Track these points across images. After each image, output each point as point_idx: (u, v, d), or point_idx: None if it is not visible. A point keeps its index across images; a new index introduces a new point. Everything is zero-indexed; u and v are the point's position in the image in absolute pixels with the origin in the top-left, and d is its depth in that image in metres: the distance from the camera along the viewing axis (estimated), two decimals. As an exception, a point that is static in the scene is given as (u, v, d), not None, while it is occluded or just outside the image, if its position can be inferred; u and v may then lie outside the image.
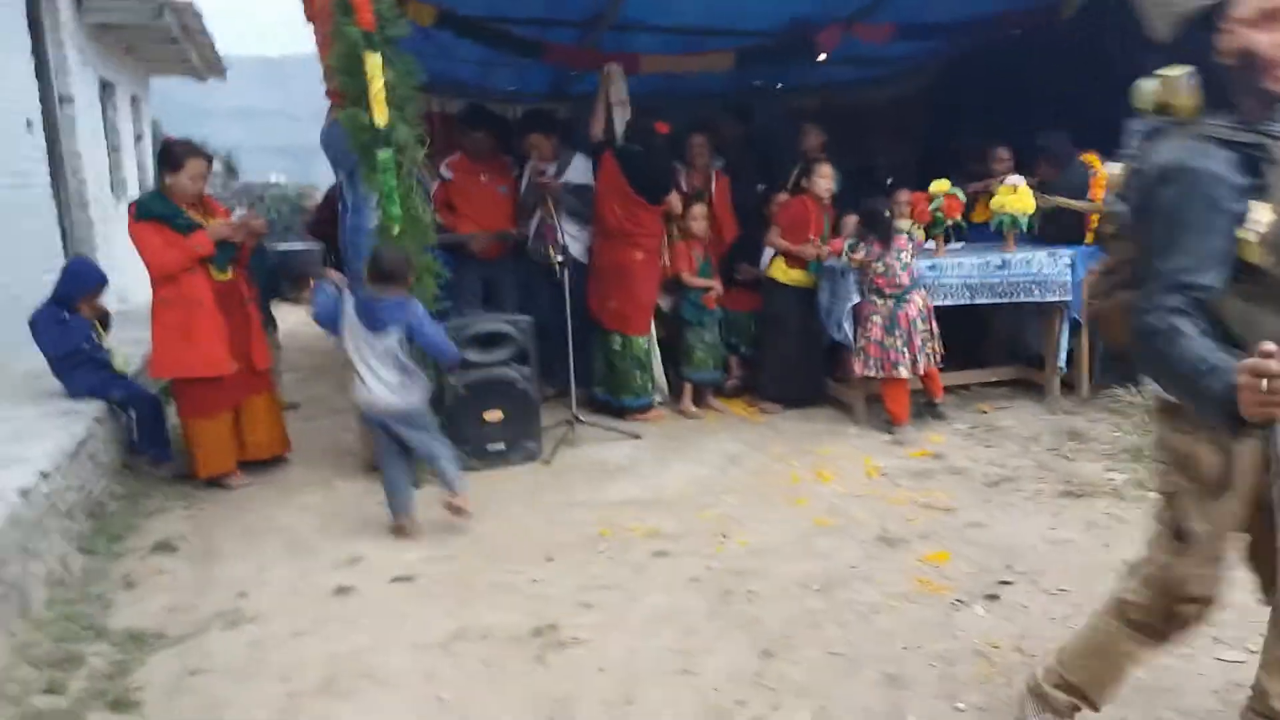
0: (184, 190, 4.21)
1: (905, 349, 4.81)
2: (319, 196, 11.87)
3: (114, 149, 8.44)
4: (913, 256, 4.95)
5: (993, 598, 3.02)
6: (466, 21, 5.43)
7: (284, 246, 9.82)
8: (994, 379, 5.56)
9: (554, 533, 3.76)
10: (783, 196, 6.06)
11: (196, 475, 4.39)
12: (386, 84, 4.05)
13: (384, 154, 4.09)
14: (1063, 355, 5.21)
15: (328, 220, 5.88)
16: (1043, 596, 3.02)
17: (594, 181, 5.59)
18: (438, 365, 4.27)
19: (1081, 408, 5.14)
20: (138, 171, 9.82)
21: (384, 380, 3.71)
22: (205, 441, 4.34)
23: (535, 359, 4.74)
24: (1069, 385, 5.32)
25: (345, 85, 4.12)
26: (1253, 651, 2.43)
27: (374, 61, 4.01)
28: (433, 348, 3.84)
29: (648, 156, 5.36)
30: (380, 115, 4.05)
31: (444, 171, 5.52)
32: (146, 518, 4.04)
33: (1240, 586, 2.04)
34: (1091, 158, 5.24)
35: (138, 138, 9.86)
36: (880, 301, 4.87)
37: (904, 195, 5.82)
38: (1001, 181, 5.80)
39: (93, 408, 4.27)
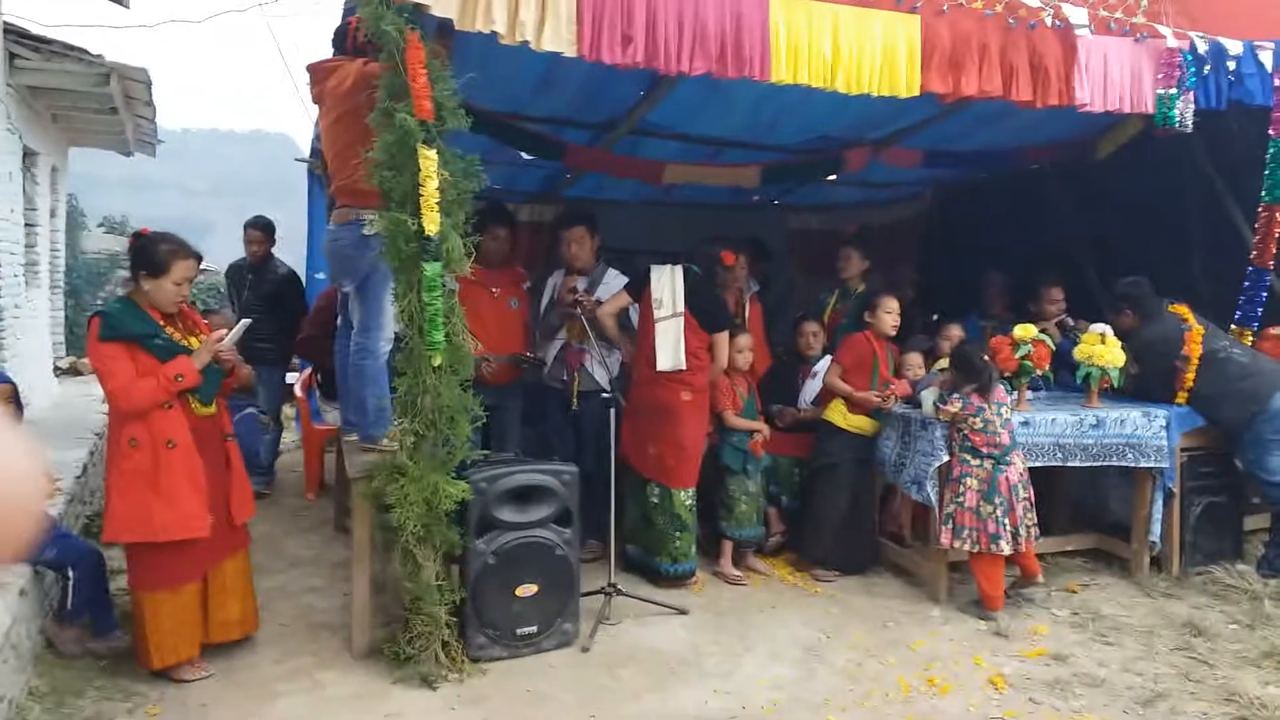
0: (165, 299, 3.32)
1: (1006, 520, 4.19)
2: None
3: (30, 226, 7.29)
4: (1012, 411, 4.39)
5: None
6: (483, 115, 4.75)
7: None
8: (1070, 548, 5.00)
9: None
10: (813, 326, 5.53)
11: (146, 664, 3.36)
12: (441, 185, 3.30)
13: (432, 268, 3.32)
14: (1157, 528, 4.70)
15: (317, 338, 5.00)
16: None
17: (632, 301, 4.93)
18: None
19: (1178, 589, 4.61)
20: (49, 254, 8.61)
21: None
22: (163, 622, 3.33)
23: (579, 519, 3.92)
24: (1155, 561, 4.81)
25: (388, 183, 3.35)
26: None
27: (429, 158, 3.26)
28: None
29: (708, 281, 4.74)
30: (432, 222, 3.28)
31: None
32: (76, 733, 2.99)
33: None
34: (1183, 309, 4.86)
35: (52, 213, 8.68)
36: (976, 463, 4.26)
37: (955, 331, 5.37)
38: (1062, 325, 5.46)
39: (14, 577, 3.22)
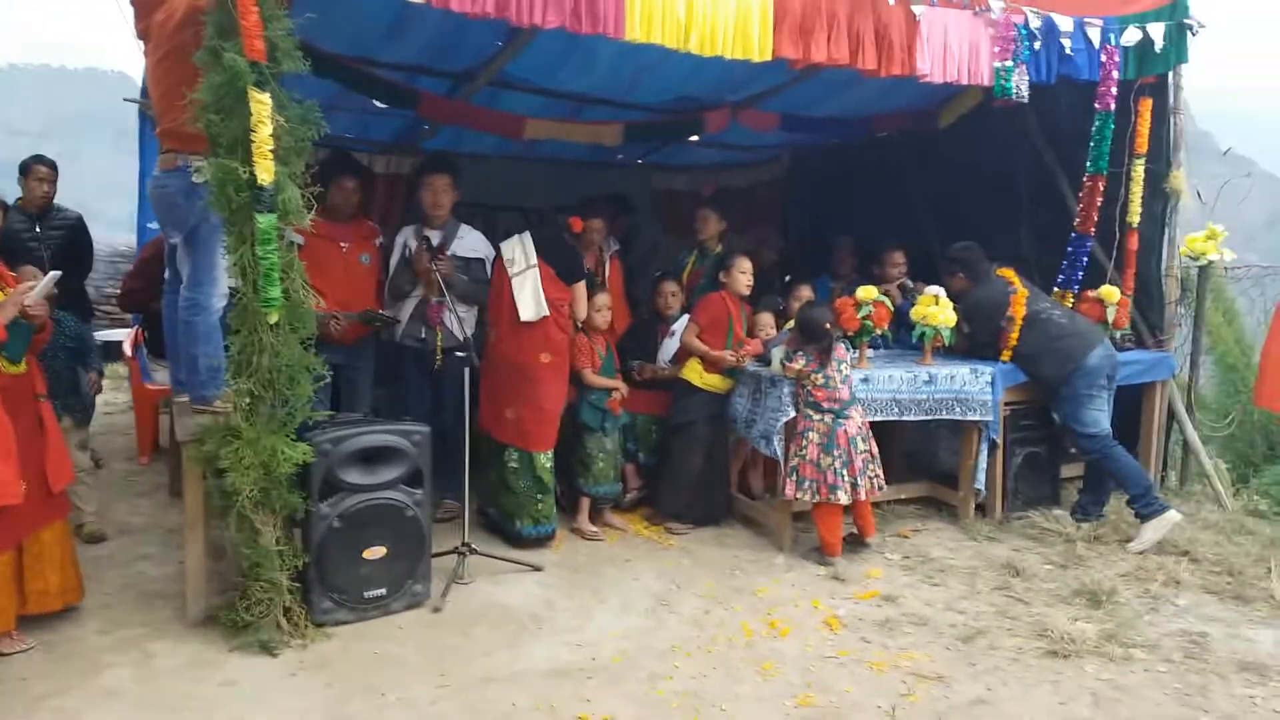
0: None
1: (845, 471, 4.38)
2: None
3: None
4: (852, 369, 4.56)
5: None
6: (328, 58, 4.53)
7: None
8: (904, 496, 5.28)
9: (487, 730, 2.91)
10: (671, 286, 5.58)
11: (-49, 642, 3.11)
12: (275, 132, 3.13)
13: (266, 220, 3.15)
14: (981, 477, 5.01)
15: (142, 289, 4.67)
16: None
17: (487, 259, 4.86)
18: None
19: (1000, 533, 4.93)
20: None
21: None
22: (-32, 597, 3.08)
23: (430, 479, 3.85)
24: (980, 507, 5.13)
25: (215, 128, 3.14)
26: None
27: (261, 102, 3.08)
28: None
29: (561, 241, 4.71)
30: (265, 170, 3.11)
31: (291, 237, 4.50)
32: None
33: None
34: (1009, 273, 5.15)
35: None
36: (817, 417, 4.43)
37: (805, 292, 5.52)
38: (903, 288, 5.70)
39: None
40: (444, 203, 4.79)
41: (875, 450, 4.54)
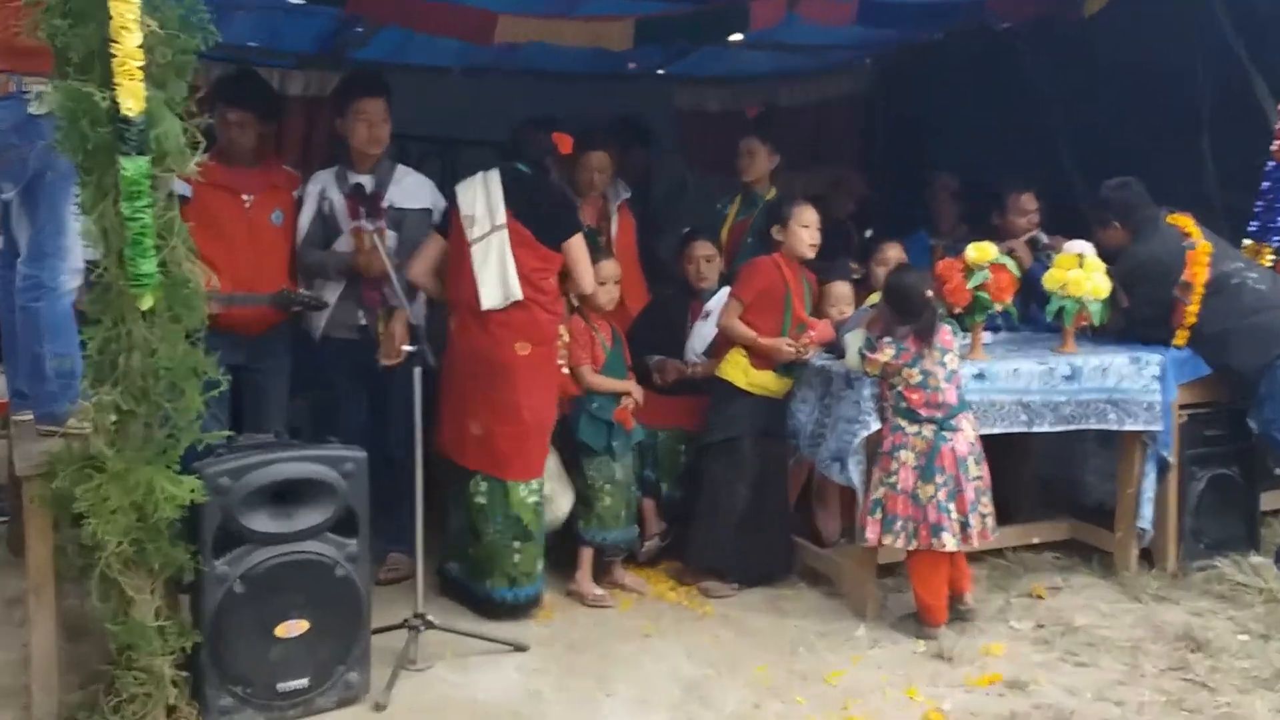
0: None
1: (952, 505, 4.38)
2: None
3: None
4: (962, 361, 4.58)
5: None
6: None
7: None
8: (1035, 540, 5.28)
9: None
10: (705, 247, 5.58)
11: None
12: (146, 41, 3.16)
13: (135, 165, 3.18)
14: (1147, 511, 5.01)
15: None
16: None
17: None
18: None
19: (1174, 590, 4.94)
20: None
21: None
22: None
23: (366, 524, 3.89)
24: (1145, 554, 5.13)
25: (62, 38, 3.18)
26: None
27: (125, 8, 3.11)
28: None
29: (543, 183, 4.71)
30: (133, 96, 3.15)
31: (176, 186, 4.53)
32: None
33: None
34: (1185, 220, 5.13)
35: None
36: (913, 430, 4.44)
37: (893, 252, 5.51)
38: (1034, 244, 5.68)
39: None
40: (382, 137, 4.84)
41: (989, 477, 4.53)
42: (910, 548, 4.44)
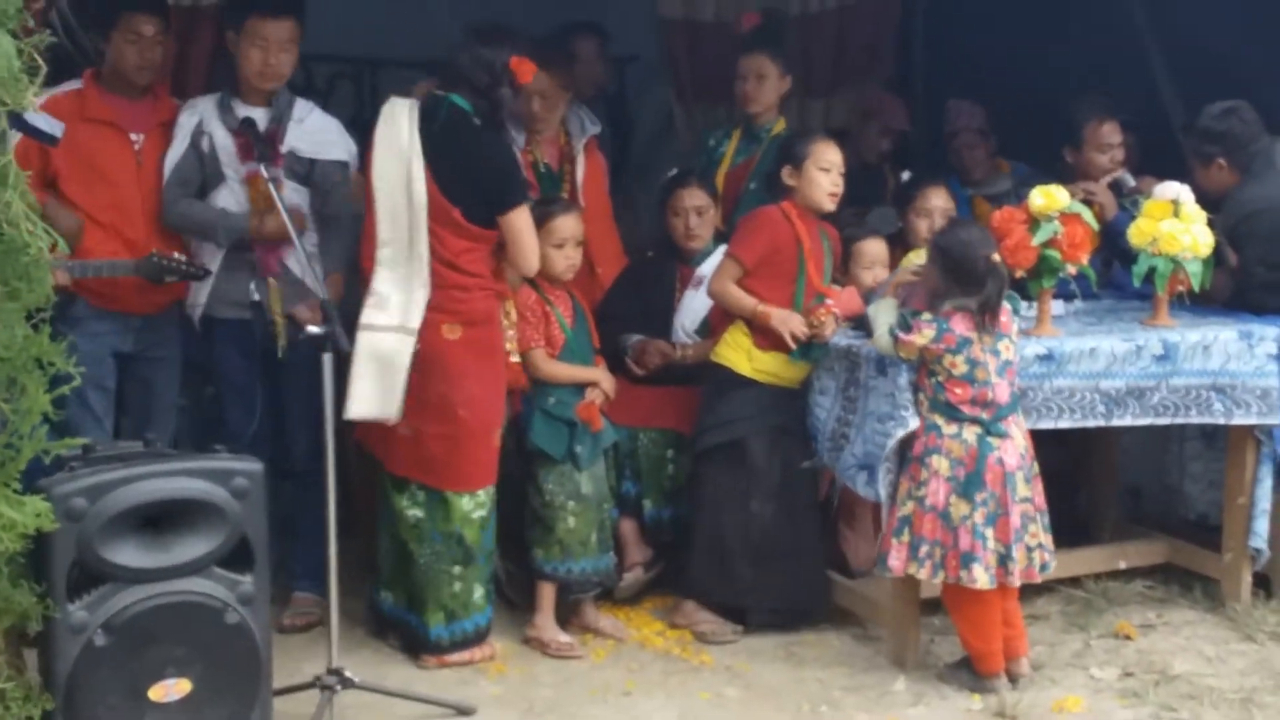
0: None
1: (989, 531, 4.38)
2: None
3: None
4: (1017, 342, 4.60)
5: None
6: None
7: None
8: (1122, 564, 5.33)
9: None
10: (697, 195, 5.58)
11: None
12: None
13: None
14: (1262, 527, 5.05)
15: None
16: None
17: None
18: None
19: (1296, 624, 5.03)
20: None
21: None
22: None
23: (265, 556, 3.92)
24: (1261, 580, 5.21)
25: None
26: None
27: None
28: None
29: (478, 136, 4.70)
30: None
31: (40, 123, 4.54)
32: None
33: None
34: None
35: None
36: (951, 431, 4.45)
37: (938, 199, 5.53)
38: (1118, 188, 5.70)
39: None
40: (281, 70, 4.87)
41: (1042, 499, 4.54)
42: (935, 580, 4.47)
